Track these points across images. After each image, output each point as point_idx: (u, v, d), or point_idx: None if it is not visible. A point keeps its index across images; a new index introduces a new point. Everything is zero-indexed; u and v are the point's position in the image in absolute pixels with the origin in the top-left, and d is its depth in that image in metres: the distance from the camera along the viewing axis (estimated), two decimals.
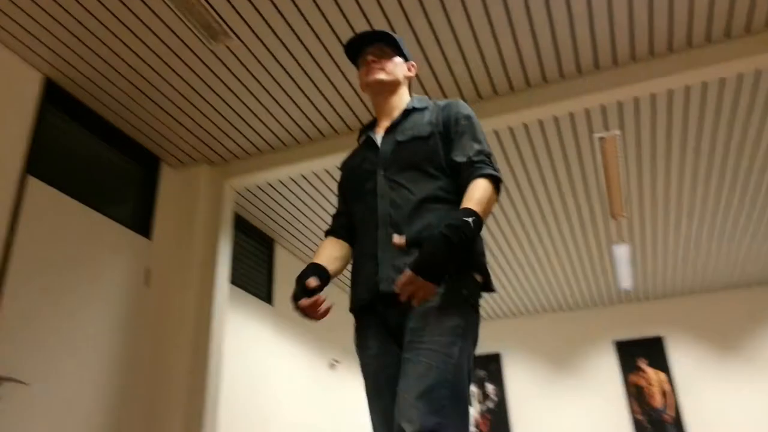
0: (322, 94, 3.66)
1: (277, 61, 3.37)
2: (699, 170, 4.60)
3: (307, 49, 3.29)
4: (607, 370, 7.34)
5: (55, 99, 3.45)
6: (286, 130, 3.99)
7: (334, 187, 4.68)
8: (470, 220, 1.43)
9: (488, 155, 1.60)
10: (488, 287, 1.57)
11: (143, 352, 3.76)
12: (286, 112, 3.81)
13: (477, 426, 7.50)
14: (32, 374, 2.99)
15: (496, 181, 1.55)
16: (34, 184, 3.21)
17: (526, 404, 7.50)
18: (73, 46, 3.19)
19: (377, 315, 1.58)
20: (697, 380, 6.95)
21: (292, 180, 4.60)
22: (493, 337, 7.99)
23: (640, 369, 7.18)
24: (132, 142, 3.98)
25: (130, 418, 3.58)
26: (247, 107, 3.74)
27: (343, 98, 3.71)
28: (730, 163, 4.52)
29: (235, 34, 3.14)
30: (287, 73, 3.47)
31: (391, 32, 1.81)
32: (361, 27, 3.17)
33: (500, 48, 3.35)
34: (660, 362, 7.13)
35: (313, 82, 3.55)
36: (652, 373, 7.12)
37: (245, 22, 3.07)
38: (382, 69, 1.77)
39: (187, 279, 3.94)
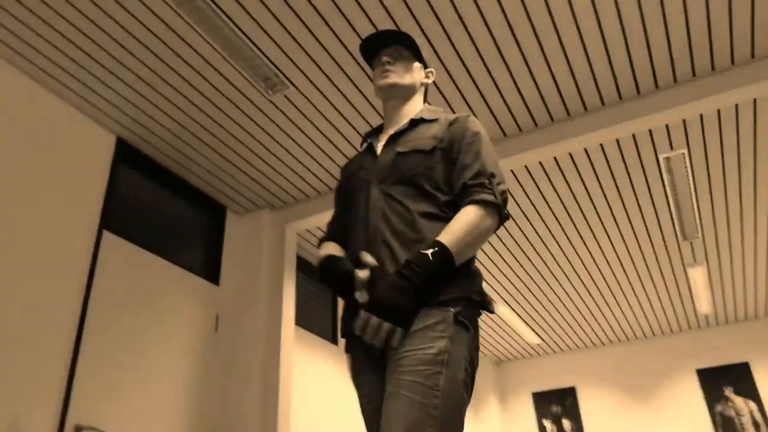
0: None
1: (333, 106, 3.45)
2: None
3: (360, 91, 3.36)
4: (691, 400, 6.93)
5: (126, 157, 3.64)
6: None
7: None
8: (429, 252, 1.33)
9: (490, 176, 1.45)
10: (485, 306, 1.43)
11: (214, 396, 3.82)
12: (343, 154, 3.88)
13: None
14: (110, 422, 3.08)
15: (491, 207, 1.42)
16: (108, 237, 3.37)
17: None
18: (143, 108, 3.37)
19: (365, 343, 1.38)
20: None
21: None
22: (567, 370, 7.70)
23: (726, 398, 6.75)
24: (199, 193, 4.13)
25: None
26: (306, 152, 3.83)
27: None
28: None
29: (291, 83, 3.25)
30: (342, 116, 3.54)
31: (409, 35, 1.69)
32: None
33: (554, 75, 3.32)
34: (748, 390, 6.68)
35: (368, 122, 3.61)
36: (740, 402, 6.67)
37: (301, 71, 3.17)
38: (397, 72, 1.65)
39: (254, 322, 4.00)
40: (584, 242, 5.06)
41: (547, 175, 4.17)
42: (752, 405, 6.60)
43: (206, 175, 3.97)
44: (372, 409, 1.42)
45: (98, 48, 2.98)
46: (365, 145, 1.67)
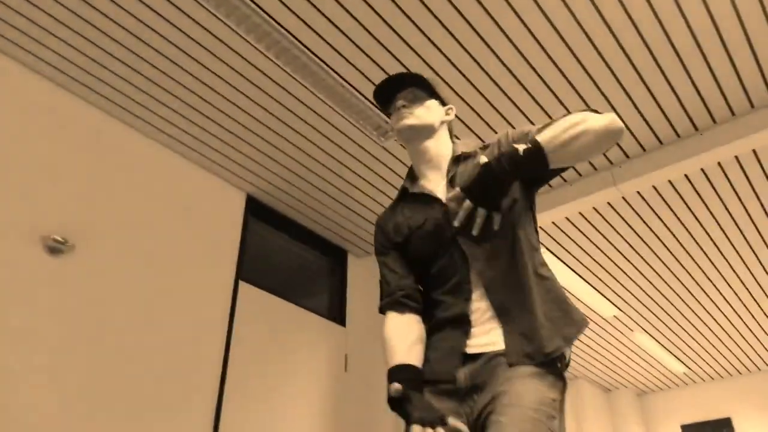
0: None
1: None
2: None
3: (468, 128, 3.38)
4: None
5: (255, 211, 3.91)
6: None
7: None
8: (521, 148, 1.35)
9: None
10: (567, 364, 1.37)
11: None
12: None
13: None
14: None
15: (593, 114, 1.39)
16: (244, 287, 3.61)
17: None
18: (267, 165, 3.62)
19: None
20: None
21: None
22: (722, 399, 7.02)
23: None
24: (321, 239, 4.32)
25: None
26: None
27: None
28: None
29: None
30: None
31: (422, 75, 1.62)
32: (533, 106, 3.19)
33: (694, 83, 3.14)
34: None
35: None
36: None
37: None
38: (413, 114, 1.55)
39: (382, 361, 4.06)
40: (727, 261, 4.66)
41: (680, 193, 3.92)
42: None
43: (326, 221, 4.15)
44: None
45: (226, 116, 3.26)
46: (413, 195, 1.57)
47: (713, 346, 6.18)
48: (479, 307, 1.39)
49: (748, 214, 4.12)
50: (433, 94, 1.62)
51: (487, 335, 1.37)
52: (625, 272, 4.83)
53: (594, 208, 4.04)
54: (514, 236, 1.42)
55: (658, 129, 3.42)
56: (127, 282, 3.00)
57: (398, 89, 1.61)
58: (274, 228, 4.03)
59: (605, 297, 5.21)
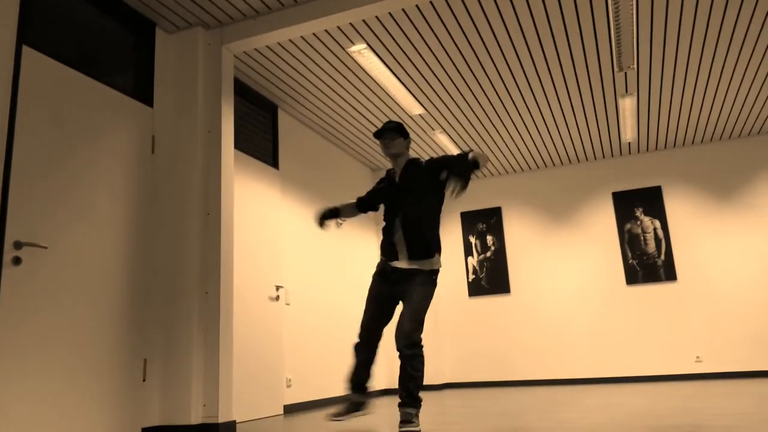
0: None
1: None
2: (713, 21, 4.43)
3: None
4: (605, 219, 7.62)
5: None
6: None
7: (338, 51, 4.54)
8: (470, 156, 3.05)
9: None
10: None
11: (155, 217, 3.89)
12: None
13: (475, 273, 7.94)
14: (49, 239, 3.13)
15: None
16: (29, 54, 3.12)
17: (524, 253, 7.88)
18: None
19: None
20: (689, 227, 7.24)
21: (293, 43, 4.45)
22: (495, 192, 8.18)
23: (636, 218, 7.45)
24: (125, 6, 3.79)
25: (146, 277, 3.80)
26: None
27: None
28: (743, 17, 4.34)
29: None
30: None
31: (396, 125, 3.32)
32: None
33: None
34: (656, 211, 7.38)
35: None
36: (647, 221, 7.40)
37: None
38: (394, 146, 3.32)
39: (193, 145, 3.96)
40: (521, 64, 5.10)
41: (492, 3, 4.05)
42: (657, 223, 7.34)
43: None
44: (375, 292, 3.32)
45: None
46: (387, 176, 3.44)
47: (499, 148, 7.00)
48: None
49: (549, 24, 4.44)
50: (403, 134, 3.34)
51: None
52: (435, 74, 5.07)
53: (417, 6, 4.04)
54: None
55: None
56: None
57: (385, 132, 3.33)
58: None
59: (413, 95, 5.48)
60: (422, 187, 3.21)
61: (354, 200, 3.62)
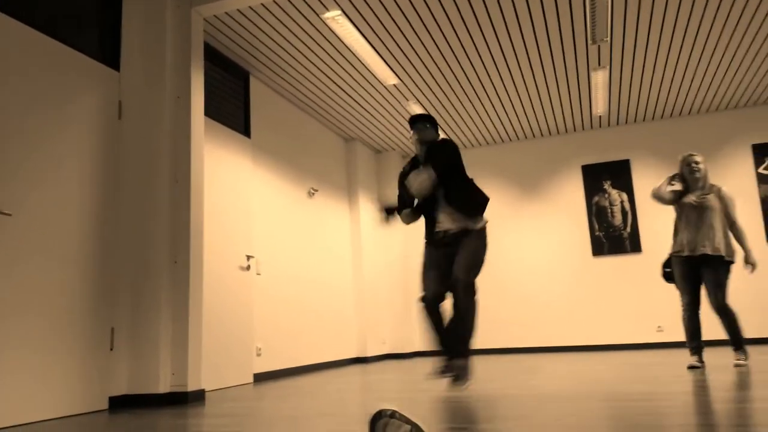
0: None
1: None
2: None
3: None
4: (573, 192, 7.73)
5: None
6: None
7: (312, 17, 4.44)
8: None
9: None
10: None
11: (122, 184, 3.81)
12: None
13: None
14: (14, 206, 3.04)
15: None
16: None
17: (493, 224, 7.96)
18: None
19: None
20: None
21: (265, 7, 4.34)
22: (466, 164, 8.21)
23: (604, 191, 7.57)
24: None
25: (114, 246, 3.74)
26: None
27: None
28: None
29: None
30: None
31: (432, 117, 3.60)
32: None
33: None
34: (624, 184, 7.51)
35: None
36: (615, 193, 7.52)
37: None
38: (425, 133, 3.58)
39: (161, 111, 3.87)
40: (497, 37, 5.08)
41: None
42: (624, 196, 7.48)
43: None
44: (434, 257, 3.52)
45: None
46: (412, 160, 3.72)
47: (473, 120, 7.00)
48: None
49: (516, 12, 4.42)
50: (433, 124, 3.61)
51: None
52: (410, 43, 5.01)
53: None
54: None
55: None
56: None
57: (418, 121, 3.59)
58: None
59: (388, 65, 5.43)
60: (448, 161, 3.40)
61: (405, 208, 3.62)
